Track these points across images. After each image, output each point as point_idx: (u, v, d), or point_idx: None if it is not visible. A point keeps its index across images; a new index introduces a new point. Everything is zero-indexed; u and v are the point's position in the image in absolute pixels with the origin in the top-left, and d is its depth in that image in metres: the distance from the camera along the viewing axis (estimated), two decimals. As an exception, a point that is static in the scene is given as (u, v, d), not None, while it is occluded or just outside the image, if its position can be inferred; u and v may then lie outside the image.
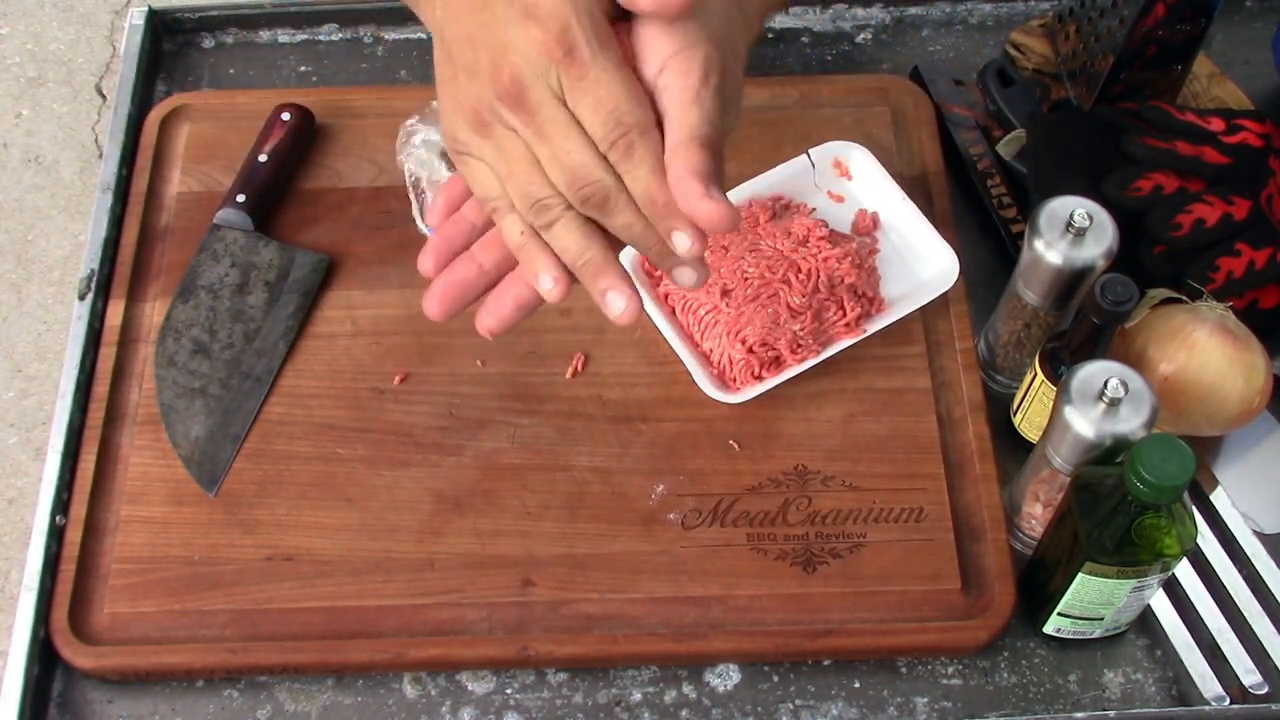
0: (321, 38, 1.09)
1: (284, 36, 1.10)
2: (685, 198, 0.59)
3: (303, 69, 1.09)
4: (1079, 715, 0.81)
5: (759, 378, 0.88)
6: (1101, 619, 0.81)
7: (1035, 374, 0.84)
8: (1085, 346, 0.80)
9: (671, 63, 0.60)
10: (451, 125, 0.64)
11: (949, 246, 0.92)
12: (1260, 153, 0.91)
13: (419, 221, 0.97)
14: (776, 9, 0.67)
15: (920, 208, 0.94)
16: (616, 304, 0.63)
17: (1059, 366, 0.82)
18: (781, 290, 0.89)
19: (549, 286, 0.64)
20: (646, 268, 0.92)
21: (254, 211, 0.96)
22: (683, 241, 0.60)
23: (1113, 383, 0.74)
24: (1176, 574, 0.85)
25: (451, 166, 0.98)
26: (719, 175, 0.60)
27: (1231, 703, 0.81)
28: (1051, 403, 0.79)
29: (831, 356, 0.89)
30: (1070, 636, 0.83)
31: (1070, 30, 1.02)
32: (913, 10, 1.11)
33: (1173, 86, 1.00)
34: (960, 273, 0.91)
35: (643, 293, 0.89)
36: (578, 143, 0.60)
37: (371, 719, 0.82)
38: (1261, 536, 0.87)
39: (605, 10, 0.61)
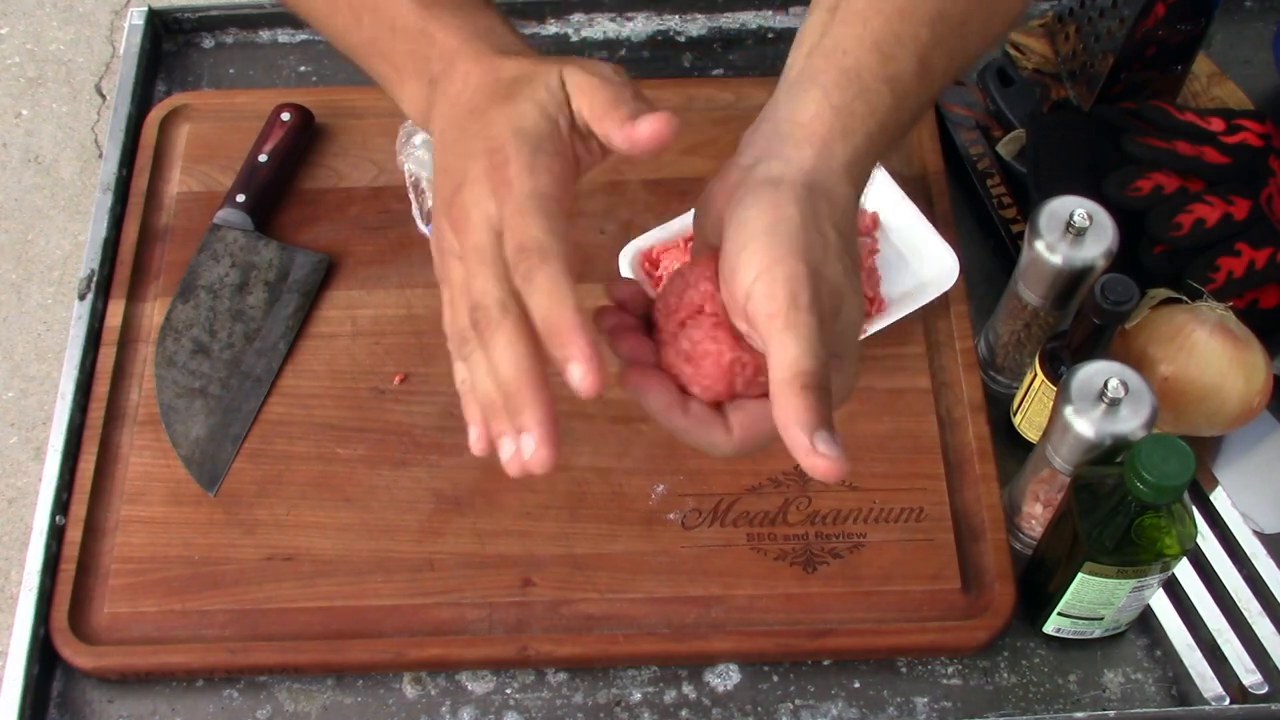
0: (321, 38, 1.09)
1: (284, 36, 1.10)
2: (794, 450, 0.56)
3: (303, 69, 1.09)
4: (1079, 715, 0.81)
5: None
6: (1101, 619, 0.81)
7: (1035, 374, 0.84)
8: (1085, 346, 0.80)
9: (755, 287, 0.57)
10: (435, 254, 0.62)
11: (949, 246, 0.92)
12: (1260, 153, 0.91)
13: (418, 221, 0.97)
14: (857, 196, 0.64)
15: (920, 208, 0.94)
16: (506, 449, 0.57)
17: (1059, 366, 0.82)
18: (781, 290, 0.89)
19: (473, 442, 0.59)
20: (646, 267, 0.92)
21: (254, 211, 0.96)
22: (576, 373, 0.55)
23: (1113, 383, 0.74)
24: (1176, 574, 0.85)
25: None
26: (827, 412, 0.56)
27: (1231, 703, 0.81)
28: (1051, 403, 0.79)
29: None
30: (1070, 636, 0.83)
31: (1070, 30, 1.02)
32: (913, 10, 1.10)
33: (1173, 86, 1.00)
34: (960, 273, 0.91)
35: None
36: (488, 269, 0.57)
37: (371, 719, 0.82)
38: (1261, 536, 0.87)
39: (559, 147, 0.59)
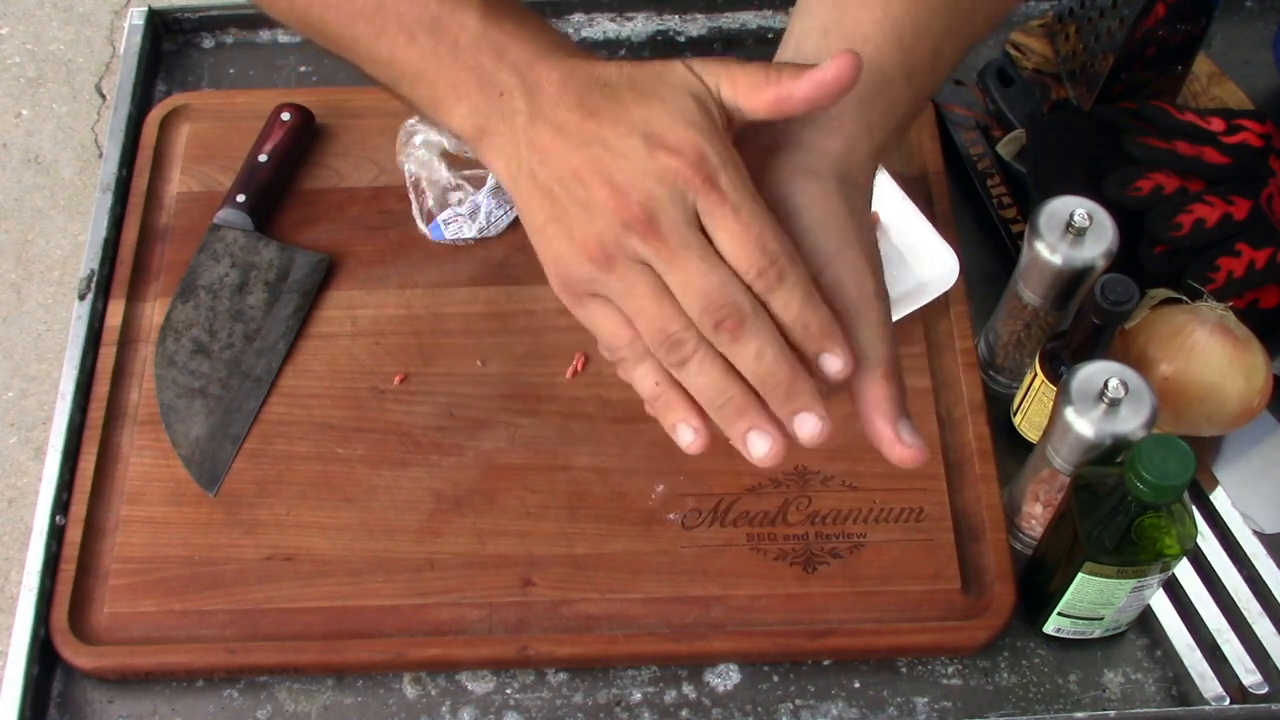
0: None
1: (284, 36, 1.10)
2: (878, 441, 0.57)
3: (303, 69, 1.09)
4: (1079, 715, 0.81)
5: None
6: (1101, 619, 0.81)
7: (1035, 374, 0.84)
8: (1085, 346, 0.80)
9: (837, 262, 0.58)
10: (568, 266, 0.59)
11: (949, 246, 0.92)
12: (1260, 153, 0.91)
13: (419, 222, 0.97)
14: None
15: (920, 208, 0.94)
16: (759, 446, 0.59)
17: (1059, 366, 0.82)
18: (781, 290, 0.89)
19: (689, 439, 0.60)
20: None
21: (254, 211, 0.96)
22: (833, 364, 0.56)
23: (1113, 383, 0.74)
24: (1176, 574, 0.85)
25: (451, 168, 0.98)
26: (905, 399, 0.58)
27: (1231, 703, 0.81)
28: (1051, 403, 0.79)
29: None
30: (1070, 636, 0.83)
31: (1070, 30, 1.02)
32: (913, 10, 1.10)
33: (1173, 86, 1.00)
34: (960, 273, 0.91)
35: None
36: (715, 264, 0.56)
37: (371, 719, 0.82)
38: (1261, 536, 0.87)
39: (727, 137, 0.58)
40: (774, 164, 0.60)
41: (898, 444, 0.57)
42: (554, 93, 0.59)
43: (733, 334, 0.56)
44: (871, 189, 0.62)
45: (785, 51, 0.64)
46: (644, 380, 0.60)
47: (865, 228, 0.60)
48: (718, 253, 0.56)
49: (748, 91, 0.58)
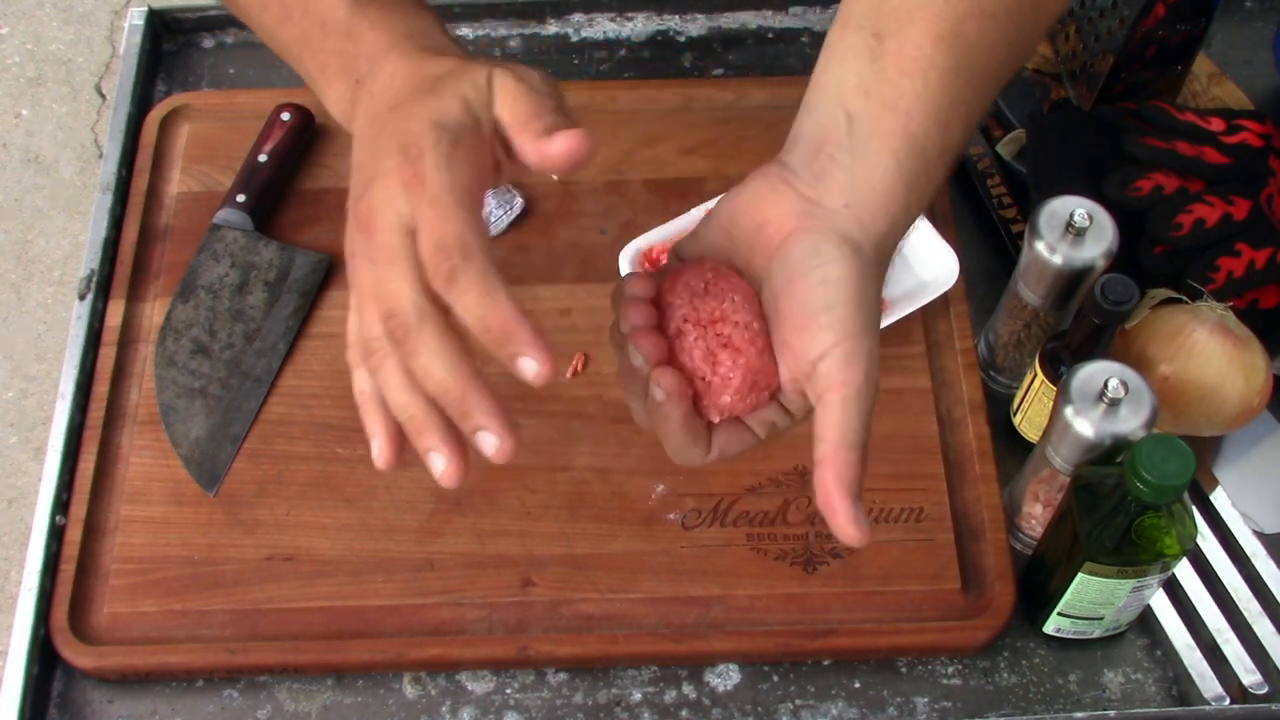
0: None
1: (284, 36, 1.10)
2: (830, 513, 0.57)
3: (303, 69, 1.09)
4: (1079, 715, 0.81)
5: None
6: (1101, 619, 0.81)
7: (1035, 374, 0.84)
8: (1085, 346, 0.80)
9: (833, 354, 0.56)
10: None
11: (949, 246, 0.92)
12: (1260, 153, 0.91)
13: (419, 221, 0.97)
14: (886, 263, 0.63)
15: (920, 208, 0.94)
16: (436, 466, 0.56)
17: (1059, 366, 0.82)
18: (781, 290, 0.89)
19: (376, 455, 0.57)
20: (646, 267, 0.92)
21: (254, 211, 0.96)
22: (526, 369, 0.54)
23: (1113, 383, 0.74)
24: (1176, 574, 0.85)
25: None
26: (861, 486, 0.58)
27: (1231, 703, 0.81)
28: (1051, 403, 0.79)
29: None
30: (1070, 636, 0.83)
31: (1070, 30, 1.02)
32: (913, 10, 1.10)
33: (1173, 86, 1.00)
34: (960, 273, 0.91)
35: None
36: (400, 270, 0.53)
37: (371, 719, 0.82)
38: (1261, 536, 0.87)
39: (479, 144, 0.57)
40: (815, 225, 0.58)
41: (854, 522, 0.57)
42: (384, 85, 0.60)
43: (401, 343, 0.54)
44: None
45: (823, 99, 0.62)
46: (356, 381, 0.59)
47: (878, 313, 0.59)
48: (414, 257, 0.54)
49: (512, 123, 0.57)
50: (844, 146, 0.59)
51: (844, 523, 0.57)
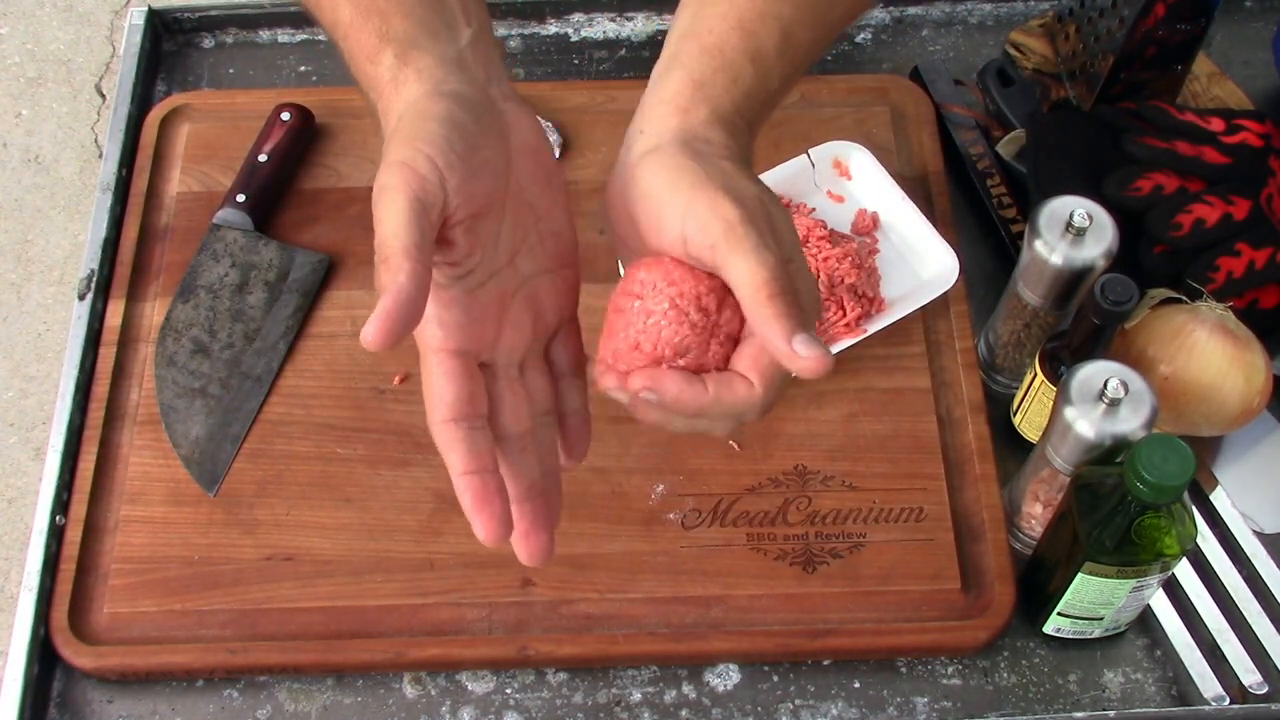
0: (321, 38, 1.09)
1: (284, 36, 1.10)
2: (778, 355, 0.57)
3: (303, 69, 1.09)
4: (1079, 715, 0.81)
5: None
6: (1101, 619, 0.81)
7: (1035, 374, 0.84)
8: (1085, 346, 0.80)
9: (687, 228, 0.59)
10: None
11: (949, 246, 0.92)
12: (1260, 153, 0.91)
13: (419, 221, 0.97)
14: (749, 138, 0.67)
15: (920, 208, 0.94)
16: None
17: (1059, 366, 0.82)
18: (781, 290, 0.89)
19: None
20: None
21: (254, 211, 0.96)
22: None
23: (1113, 383, 0.74)
24: (1176, 574, 0.85)
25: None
26: (799, 314, 0.57)
27: (1231, 703, 0.81)
28: (1051, 403, 0.79)
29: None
30: (1070, 636, 0.83)
31: (1070, 30, 1.02)
32: (913, 10, 1.11)
33: (1173, 86, 1.00)
34: (960, 273, 0.91)
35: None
36: None
37: (371, 719, 0.82)
38: (1261, 536, 0.87)
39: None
40: (628, 160, 0.62)
41: (795, 356, 0.57)
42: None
43: None
44: (730, 143, 0.63)
45: (658, 65, 0.66)
46: None
47: (726, 166, 0.61)
48: None
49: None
50: (646, 91, 0.65)
51: (787, 360, 0.57)
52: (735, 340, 0.60)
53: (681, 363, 0.59)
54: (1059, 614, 0.81)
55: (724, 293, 0.60)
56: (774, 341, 0.56)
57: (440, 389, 0.59)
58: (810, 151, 0.96)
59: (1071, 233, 0.80)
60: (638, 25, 1.10)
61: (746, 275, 0.57)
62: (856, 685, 0.83)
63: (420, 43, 0.63)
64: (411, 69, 0.63)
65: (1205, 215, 0.88)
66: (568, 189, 0.66)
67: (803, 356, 0.56)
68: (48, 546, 0.84)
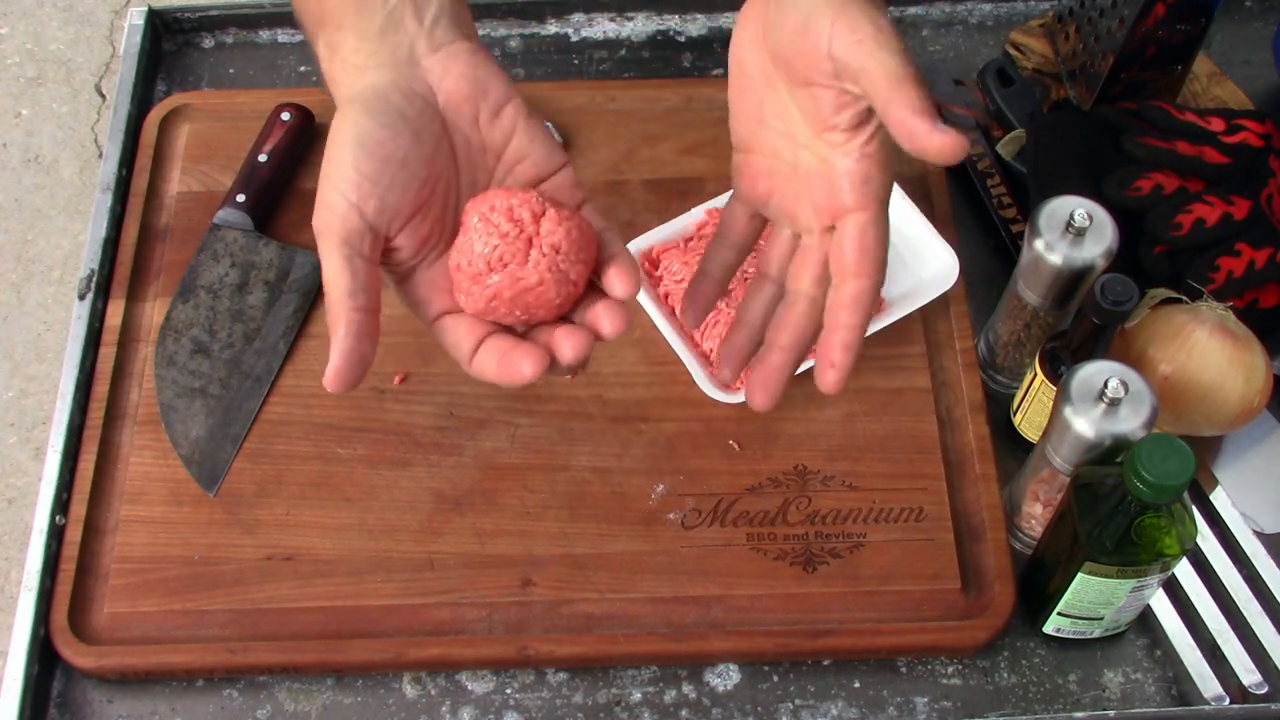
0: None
1: (284, 36, 1.10)
2: (915, 135, 0.62)
3: (303, 69, 1.09)
4: (1079, 715, 0.81)
5: (759, 378, 0.88)
6: (1101, 619, 0.81)
7: (1035, 374, 0.84)
8: (1085, 346, 0.80)
9: (836, 30, 0.64)
10: None
11: (949, 246, 0.92)
12: (1260, 152, 0.91)
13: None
14: None
15: (920, 208, 0.94)
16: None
17: (1059, 366, 0.82)
18: (781, 290, 0.89)
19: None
20: (646, 267, 0.92)
21: (254, 211, 0.96)
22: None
23: (1113, 383, 0.74)
24: (1176, 574, 0.85)
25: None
26: (933, 106, 0.63)
27: (1231, 703, 0.81)
28: (1051, 403, 0.79)
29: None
30: (1070, 636, 0.83)
31: (1070, 30, 1.02)
32: (913, 10, 1.11)
33: (1173, 86, 1.00)
34: (960, 273, 0.91)
35: (643, 292, 0.89)
36: None
37: (371, 719, 0.82)
38: (1261, 536, 0.87)
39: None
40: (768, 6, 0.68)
41: (935, 133, 0.62)
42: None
43: None
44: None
45: None
46: None
47: (873, 4, 0.65)
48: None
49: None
50: None
51: (927, 136, 0.62)
52: (570, 258, 0.63)
53: (503, 274, 0.62)
54: (1059, 614, 0.81)
55: (541, 206, 0.62)
56: (913, 121, 0.62)
57: (458, 340, 0.67)
58: (810, 151, 0.96)
59: (1071, 233, 0.80)
60: (638, 25, 1.10)
61: (894, 68, 0.62)
62: (856, 685, 0.83)
63: (345, 20, 0.64)
64: (338, 61, 0.65)
65: (1205, 215, 0.88)
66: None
67: (943, 131, 0.62)
68: (48, 546, 0.84)
